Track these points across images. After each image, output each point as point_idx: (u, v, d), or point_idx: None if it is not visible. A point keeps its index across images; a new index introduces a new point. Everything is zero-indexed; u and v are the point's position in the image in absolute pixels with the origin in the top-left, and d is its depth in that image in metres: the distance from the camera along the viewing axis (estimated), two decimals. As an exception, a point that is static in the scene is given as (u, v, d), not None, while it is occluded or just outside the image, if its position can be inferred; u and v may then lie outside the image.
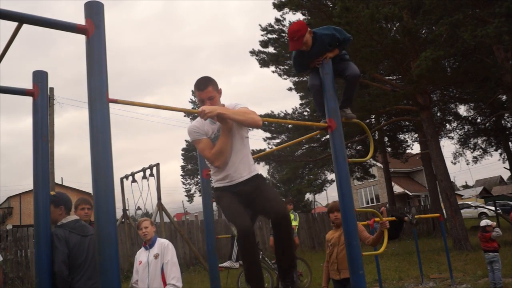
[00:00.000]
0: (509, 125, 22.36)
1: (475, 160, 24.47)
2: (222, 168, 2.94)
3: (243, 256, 2.77)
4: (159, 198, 9.48)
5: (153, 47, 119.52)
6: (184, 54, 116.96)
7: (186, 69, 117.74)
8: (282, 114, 20.00)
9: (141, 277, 4.16)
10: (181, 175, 39.83)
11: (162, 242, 4.20)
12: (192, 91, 38.90)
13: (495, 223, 7.49)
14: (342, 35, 3.19)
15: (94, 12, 2.07)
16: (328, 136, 3.73)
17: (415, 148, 62.54)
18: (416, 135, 22.28)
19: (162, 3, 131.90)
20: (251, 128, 3.40)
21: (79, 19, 2.16)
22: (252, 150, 3.17)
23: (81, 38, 2.08)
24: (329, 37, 3.15)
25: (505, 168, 26.28)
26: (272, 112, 19.59)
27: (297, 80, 19.36)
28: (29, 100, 2.69)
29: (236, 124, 2.88)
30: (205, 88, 2.90)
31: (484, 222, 7.37)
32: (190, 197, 39.79)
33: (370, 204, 39.71)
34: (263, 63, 18.45)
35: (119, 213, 10.52)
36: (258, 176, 3.02)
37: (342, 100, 3.28)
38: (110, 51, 10.83)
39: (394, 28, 14.44)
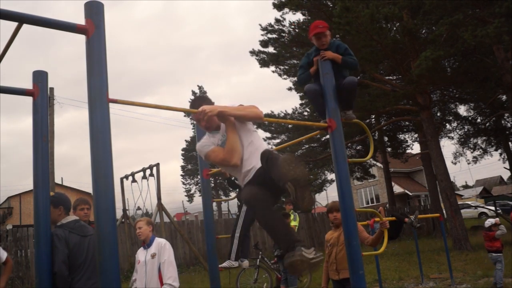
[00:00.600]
0: (509, 125, 22.33)
1: (475, 160, 24.45)
2: (240, 166, 2.86)
3: (261, 218, 2.54)
4: (159, 198, 9.48)
5: (153, 47, 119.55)
6: (184, 54, 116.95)
7: (186, 69, 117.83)
8: (282, 114, 20.01)
9: (139, 276, 4.18)
10: (181, 175, 39.87)
11: (159, 242, 4.20)
12: (192, 90, 38.94)
13: (498, 220, 7.38)
14: (350, 52, 3.33)
15: (94, 12, 2.07)
16: (328, 136, 3.73)
17: (415, 148, 62.51)
18: (416, 135, 22.27)
19: (162, 3, 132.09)
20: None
21: (79, 19, 2.16)
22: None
23: (81, 38, 2.08)
24: (339, 43, 3.36)
25: (505, 168, 26.25)
26: (272, 112, 19.60)
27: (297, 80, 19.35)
28: (29, 100, 2.69)
29: (238, 119, 2.86)
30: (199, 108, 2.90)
31: (488, 223, 7.30)
32: (190, 197, 39.82)
33: (370, 204, 39.68)
34: (263, 63, 18.43)
35: (119, 213, 10.53)
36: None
37: (342, 105, 3.30)
38: (110, 51, 10.83)
39: (394, 28, 14.45)
